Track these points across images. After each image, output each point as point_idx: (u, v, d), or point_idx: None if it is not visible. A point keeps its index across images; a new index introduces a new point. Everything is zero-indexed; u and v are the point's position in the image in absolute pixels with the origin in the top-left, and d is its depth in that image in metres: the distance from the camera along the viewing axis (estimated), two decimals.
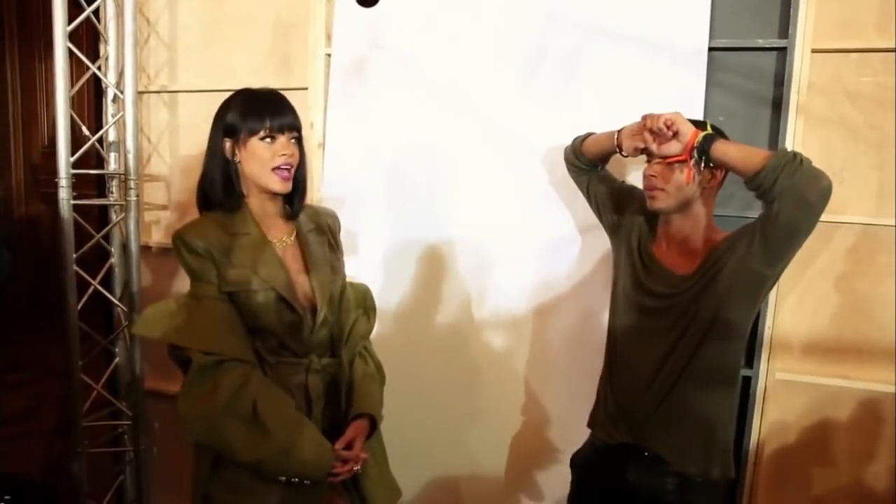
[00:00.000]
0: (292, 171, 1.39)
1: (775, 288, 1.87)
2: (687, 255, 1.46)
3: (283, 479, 1.34)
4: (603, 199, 1.71)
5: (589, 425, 1.66)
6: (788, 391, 1.92)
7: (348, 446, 1.41)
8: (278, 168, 1.36)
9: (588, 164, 1.71)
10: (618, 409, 1.54)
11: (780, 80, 1.83)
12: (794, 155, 1.28)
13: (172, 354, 1.42)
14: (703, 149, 1.34)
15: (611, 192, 1.70)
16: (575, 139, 1.74)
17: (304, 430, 1.35)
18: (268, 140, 1.35)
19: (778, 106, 1.85)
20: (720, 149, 1.34)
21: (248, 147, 1.36)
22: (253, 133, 1.35)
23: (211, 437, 1.32)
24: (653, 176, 1.42)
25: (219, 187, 1.40)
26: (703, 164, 1.36)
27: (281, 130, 1.36)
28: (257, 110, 1.36)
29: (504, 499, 2.13)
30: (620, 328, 1.57)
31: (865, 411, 1.88)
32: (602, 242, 1.86)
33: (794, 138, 1.81)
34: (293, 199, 1.46)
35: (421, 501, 2.16)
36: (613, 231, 1.69)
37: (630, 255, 1.57)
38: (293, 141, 1.39)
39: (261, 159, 1.36)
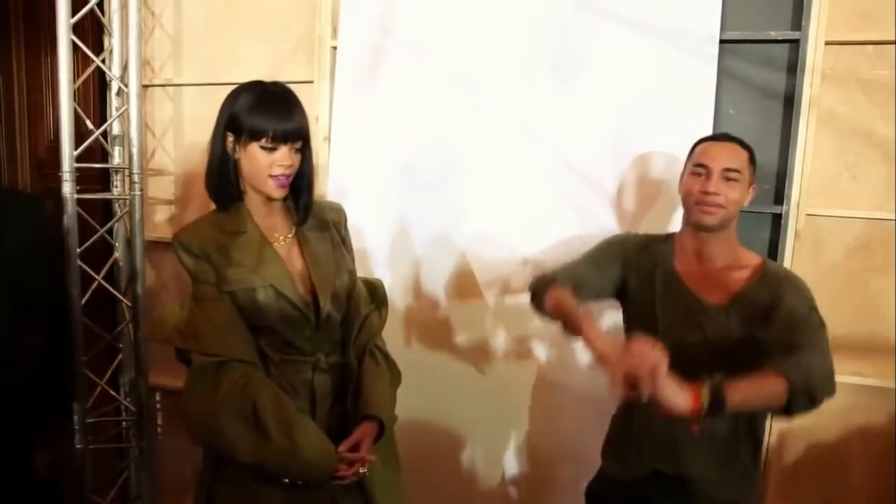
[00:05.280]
0: (290, 178, 1.35)
1: None
2: (716, 277, 1.40)
3: (286, 480, 1.32)
4: (606, 286, 1.52)
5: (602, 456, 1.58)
6: None
7: (354, 448, 1.37)
8: (274, 176, 1.32)
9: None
10: (645, 437, 1.45)
11: (793, 73, 1.81)
12: (806, 372, 1.18)
13: (180, 357, 1.40)
14: (718, 405, 1.13)
15: (601, 275, 1.52)
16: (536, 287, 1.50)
17: (305, 431, 1.31)
18: (268, 149, 1.30)
19: (791, 98, 1.82)
20: (737, 399, 1.14)
21: (247, 150, 1.31)
22: (254, 137, 1.29)
23: (212, 437, 1.30)
24: (716, 194, 1.35)
25: (223, 185, 1.36)
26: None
27: (284, 139, 1.30)
28: (263, 114, 1.29)
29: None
30: None
31: (880, 409, 1.85)
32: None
33: (807, 131, 1.78)
34: (298, 205, 1.41)
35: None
36: (619, 290, 1.53)
37: (646, 279, 1.46)
38: (295, 150, 1.34)
39: (257, 164, 1.31)
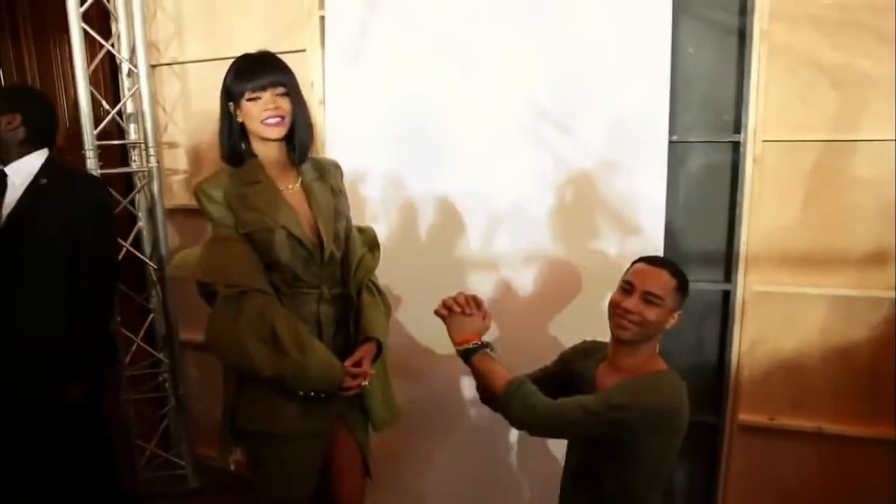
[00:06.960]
0: (284, 119, 1.57)
1: (747, 205, 2.01)
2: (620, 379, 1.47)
3: (301, 393, 1.56)
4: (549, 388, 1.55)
5: None
6: (765, 301, 2.07)
7: (357, 364, 1.61)
8: (265, 119, 1.55)
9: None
10: None
11: (745, 10, 1.95)
12: (516, 391, 1.40)
13: (200, 291, 1.64)
14: (467, 356, 1.50)
15: (563, 376, 1.64)
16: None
17: (316, 350, 1.55)
18: (254, 99, 1.54)
19: (743, 34, 1.96)
20: (477, 366, 1.48)
21: (242, 108, 1.56)
22: (242, 95, 1.54)
23: (236, 356, 1.53)
24: (632, 312, 1.42)
25: (229, 146, 1.60)
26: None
27: (263, 88, 1.53)
28: (243, 75, 1.54)
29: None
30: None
31: (837, 316, 2.04)
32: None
33: (759, 64, 1.92)
34: (295, 146, 1.63)
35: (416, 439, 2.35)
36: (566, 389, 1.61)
37: (577, 380, 1.59)
38: (279, 95, 1.56)
39: (251, 116, 1.55)
